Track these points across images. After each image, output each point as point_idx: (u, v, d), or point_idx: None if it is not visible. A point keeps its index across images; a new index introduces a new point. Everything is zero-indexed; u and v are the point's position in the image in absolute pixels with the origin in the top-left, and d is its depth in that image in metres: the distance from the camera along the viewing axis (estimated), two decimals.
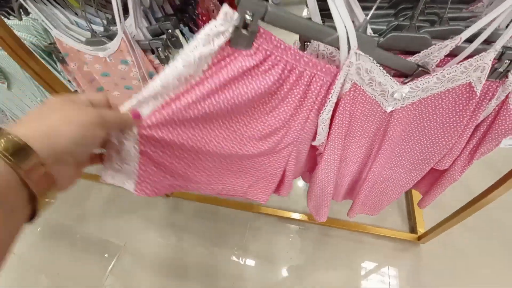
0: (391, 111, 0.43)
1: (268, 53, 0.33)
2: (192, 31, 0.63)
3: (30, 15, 0.73)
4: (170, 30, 0.56)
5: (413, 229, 1.04)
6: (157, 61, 0.59)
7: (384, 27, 0.43)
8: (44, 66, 0.70)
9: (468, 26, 0.36)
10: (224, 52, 0.32)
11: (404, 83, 0.40)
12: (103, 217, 1.38)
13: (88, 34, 0.61)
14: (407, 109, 0.43)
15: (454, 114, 0.44)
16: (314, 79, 0.38)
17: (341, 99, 0.41)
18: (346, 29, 0.34)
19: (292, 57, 0.35)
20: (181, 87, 0.32)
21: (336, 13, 0.33)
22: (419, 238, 0.98)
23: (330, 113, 0.42)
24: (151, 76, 0.61)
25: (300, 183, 1.31)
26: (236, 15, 0.29)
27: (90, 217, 1.39)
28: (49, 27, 0.59)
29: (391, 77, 0.39)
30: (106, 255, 1.22)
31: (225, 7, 0.29)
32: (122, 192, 1.44)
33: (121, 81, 0.65)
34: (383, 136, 0.48)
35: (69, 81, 0.76)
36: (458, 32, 0.36)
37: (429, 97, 0.42)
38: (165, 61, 0.58)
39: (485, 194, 0.65)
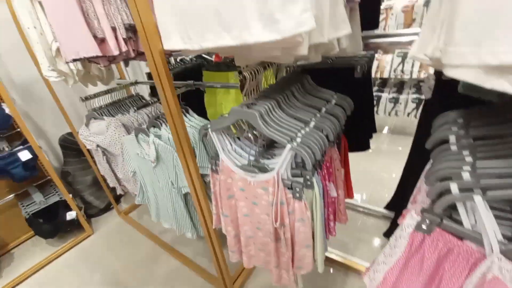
0: None
1: (440, 238, 0.50)
2: (318, 174, 0.78)
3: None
4: (308, 176, 0.72)
5: None
6: (290, 195, 0.73)
7: (510, 233, 0.48)
8: (193, 161, 0.93)
9: None
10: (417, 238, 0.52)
11: None
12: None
13: (241, 158, 0.82)
14: None
15: None
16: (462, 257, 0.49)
17: (483, 283, 0.45)
18: (490, 241, 0.45)
19: (455, 242, 0.49)
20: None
21: (483, 227, 0.45)
22: None
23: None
24: (281, 204, 0.75)
25: None
26: (419, 218, 0.51)
27: (150, 283, 1.46)
28: (219, 149, 0.82)
29: None
30: None
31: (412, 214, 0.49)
32: (186, 272, 1.50)
33: (252, 197, 0.81)
34: None
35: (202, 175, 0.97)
36: None
37: None
38: (298, 197, 0.72)
39: None
